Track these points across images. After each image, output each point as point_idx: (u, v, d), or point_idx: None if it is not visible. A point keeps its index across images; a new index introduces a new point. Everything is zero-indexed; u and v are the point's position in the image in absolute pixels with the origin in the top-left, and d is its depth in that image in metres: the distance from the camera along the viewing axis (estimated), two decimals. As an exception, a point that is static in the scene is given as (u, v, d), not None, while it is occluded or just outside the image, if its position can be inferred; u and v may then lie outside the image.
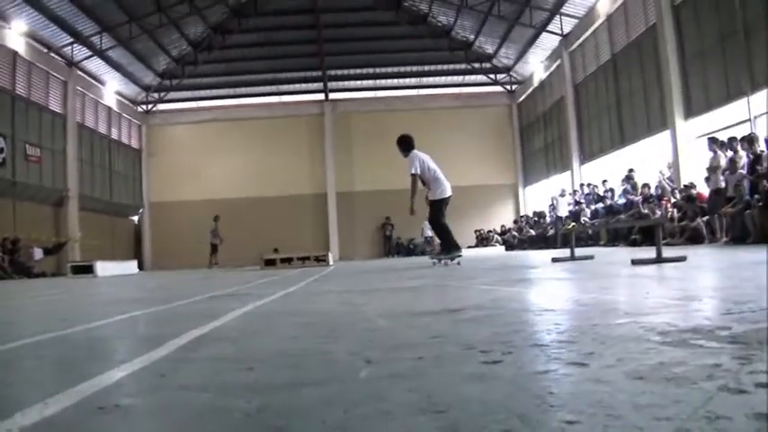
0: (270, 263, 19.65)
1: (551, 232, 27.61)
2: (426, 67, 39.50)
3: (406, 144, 11.78)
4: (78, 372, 1.94)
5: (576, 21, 28.94)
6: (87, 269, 20.47)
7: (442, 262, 11.67)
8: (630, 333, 2.07)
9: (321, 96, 39.99)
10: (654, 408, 1.18)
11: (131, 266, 25.23)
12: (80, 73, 31.38)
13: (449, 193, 11.64)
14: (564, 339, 2.05)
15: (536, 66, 35.18)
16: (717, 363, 1.53)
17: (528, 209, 37.20)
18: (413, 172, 11.43)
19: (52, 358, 2.42)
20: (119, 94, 36.16)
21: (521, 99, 39.01)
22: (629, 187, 22.00)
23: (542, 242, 28.08)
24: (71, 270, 21.19)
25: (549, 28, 30.99)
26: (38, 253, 25.58)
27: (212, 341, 2.60)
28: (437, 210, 11.61)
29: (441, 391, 1.44)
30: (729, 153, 15.51)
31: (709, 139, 16.72)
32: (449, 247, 11.78)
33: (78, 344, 2.81)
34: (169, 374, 1.86)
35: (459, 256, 11.86)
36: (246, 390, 1.58)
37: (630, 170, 22.44)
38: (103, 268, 20.64)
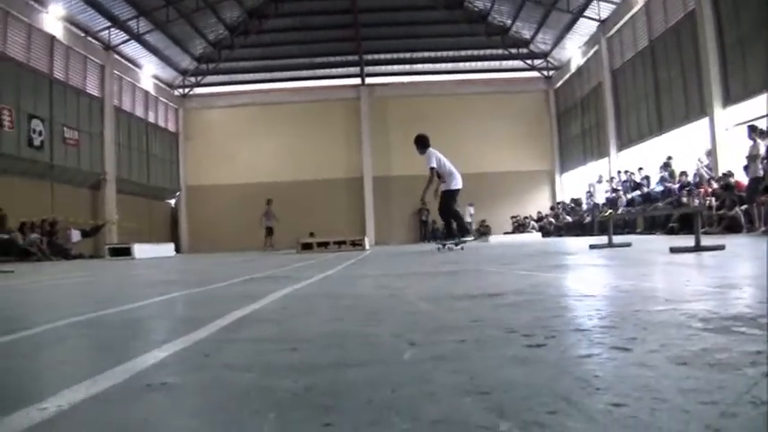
0: (306, 247, 19.75)
1: (588, 219, 27.47)
2: (463, 53, 39.30)
3: (423, 143, 12.92)
4: (123, 351, 1.98)
5: (614, 6, 28.66)
6: (125, 251, 20.78)
7: (446, 247, 12.74)
8: (672, 319, 2.07)
9: (357, 81, 39.93)
10: (699, 392, 1.18)
11: (168, 249, 25.55)
12: (117, 57, 31.73)
13: (461, 184, 12.83)
14: (606, 325, 2.05)
15: (573, 51, 34.87)
16: (759, 350, 1.53)
17: (565, 195, 36.98)
18: (432, 165, 12.55)
19: (96, 338, 2.46)
20: (156, 77, 36.50)
21: (558, 85, 38.73)
22: (666, 175, 21.79)
23: (579, 229, 27.96)
24: (109, 252, 21.50)
25: (587, 13, 30.68)
26: (75, 235, 25.94)
27: (254, 322, 2.63)
28: (450, 198, 12.72)
29: (484, 374, 1.45)
30: (769, 141, 15.33)
31: (748, 127, 16.49)
32: (459, 231, 12.94)
33: (121, 324, 2.84)
34: (213, 354, 1.88)
35: (464, 242, 12.92)
36: (291, 370, 1.60)
37: (669, 158, 22.21)
38: (141, 251, 20.94)
